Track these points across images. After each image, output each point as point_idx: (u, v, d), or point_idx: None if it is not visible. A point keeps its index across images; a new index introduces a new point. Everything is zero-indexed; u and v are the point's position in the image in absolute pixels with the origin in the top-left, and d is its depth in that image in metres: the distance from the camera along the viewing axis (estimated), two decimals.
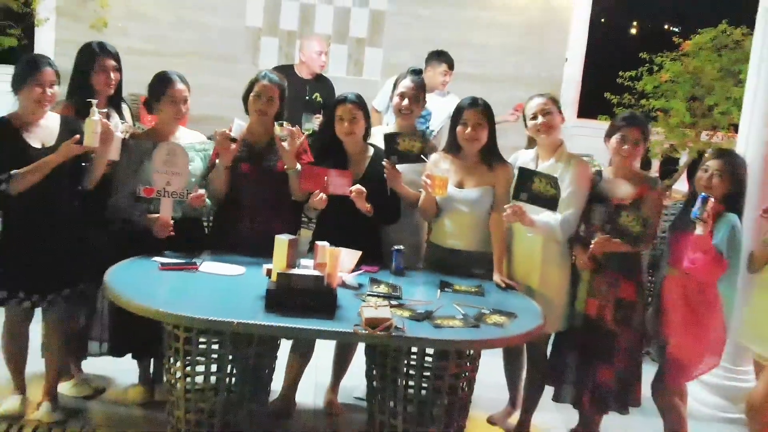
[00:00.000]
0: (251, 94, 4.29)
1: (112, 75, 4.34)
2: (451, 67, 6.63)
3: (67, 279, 3.98)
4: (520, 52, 8.17)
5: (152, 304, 3.39)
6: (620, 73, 7.37)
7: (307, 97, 6.40)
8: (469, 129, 4.16)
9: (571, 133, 8.05)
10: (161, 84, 4.22)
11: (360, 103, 4.25)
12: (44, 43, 7.92)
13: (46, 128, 3.96)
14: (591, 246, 3.96)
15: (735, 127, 6.30)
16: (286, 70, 5.88)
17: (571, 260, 4.13)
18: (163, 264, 3.83)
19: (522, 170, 4.01)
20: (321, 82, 6.59)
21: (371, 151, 4.33)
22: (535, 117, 4.17)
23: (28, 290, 3.89)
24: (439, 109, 6.41)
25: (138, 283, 3.63)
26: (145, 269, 3.80)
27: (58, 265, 3.93)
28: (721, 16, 7.02)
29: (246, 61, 7.95)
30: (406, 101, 4.50)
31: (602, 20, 9.61)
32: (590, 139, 7.71)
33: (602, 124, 6.77)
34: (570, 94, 8.29)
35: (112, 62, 4.35)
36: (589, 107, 8.31)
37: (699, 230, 3.82)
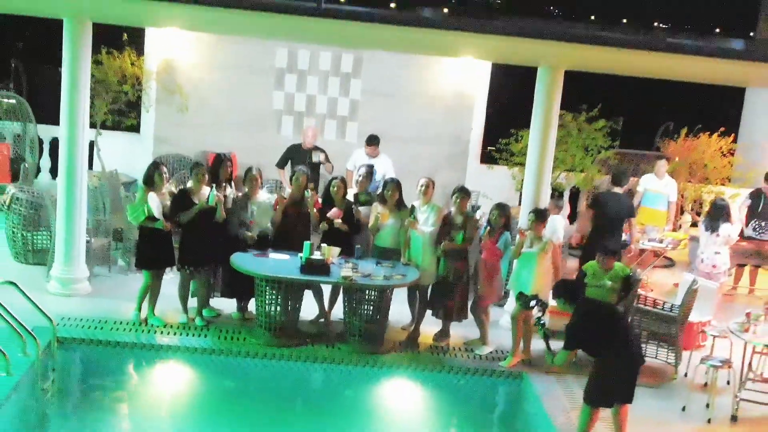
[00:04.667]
0: (294, 177, 9.08)
1: (229, 169, 9.11)
2: (378, 145, 11.32)
3: (209, 261, 8.83)
4: (443, 122, 13.05)
5: (250, 268, 8.29)
6: (500, 140, 12.30)
7: (308, 159, 11.27)
8: (390, 193, 9.01)
9: (476, 173, 13.13)
10: (248, 173, 9.00)
11: (342, 181, 9.14)
12: (149, 121, 12.77)
13: (202, 195, 8.75)
14: (444, 243, 8.81)
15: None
16: (297, 146, 10.94)
17: (437, 251, 8.96)
18: (254, 253, 8.71)
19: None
20: (315, 149, 11.44)
21: (346, 202, 9.20)
22: (422, 186, 9.02)
23: (195, 265, 8.74)
24: (378, 164, 11.25)
25: (245, 261, 8.51)
26: (247, 256, 8.67)
27: (205, 254, 8.78)
28: None
29: (273, 130, 12.82)
30: (362, 180, 9.41)
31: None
32: (486, 177, 12.83)
33: (496, 168, 11.77)
34: (474, 149, 13.21)
35: (229, 162, 9.12)
36: (487, 157, 13.20)
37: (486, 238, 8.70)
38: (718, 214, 10.08)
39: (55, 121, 12.38)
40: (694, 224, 12.81)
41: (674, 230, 12.34)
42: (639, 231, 11.10)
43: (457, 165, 13.05)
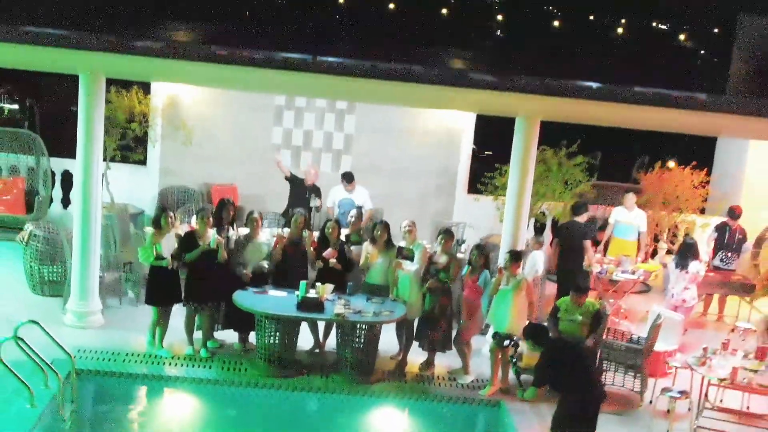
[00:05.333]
0: (293, 218, 9.87)
1: (231, 212, 9.89)
2: (350, 181, 12.19)
3: (213, 298, 9.62)
4: (432, 155, 13.84)
5: (251, 306, 9.08)
6: (485, 174, 13.09)
7: (307, 196, 12.07)
8: (379, 234, 9.80)
9: (463, 203, 13.92)
10: (250, 216, 9.80)
11: (336, 222, 9.92)
12: (155, 155, 13.55)
13: (207, 237, 9.53)
14: (430, 282, 9.60)
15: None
16: (300, 182, 11.74)
17: (422, 288, 9.75)
18: (254, 291, 9.49)
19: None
20: (314, 188, 12.25)
21: (339, 242, 9.98)
22: (407, 228, 9.80)
23: (199, 302, 9.53)
24: (356, 198, 12.12)
25: (246, 298, 9.30)
26: (248, 293, 9.46)
27: (208, 291, 9.56)
28: None
29: (272, 162, 13.58)
30: (354, 221, 10.21)
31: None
32: (473, 206, 13.61)
33: (482, 198, 12.58)
34: (462, 180, 14.00)
35: (231, 206, 9.90)
36: (473, 187, 13.99)
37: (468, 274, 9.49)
38: (687, 252, 10.86)
39: (66, 154, 13.27)
40: (669, 252, 13.60)
41: (649, 258, 13.17)
42: (614, 263, 11.89)
43: (445, 195, 13.85)
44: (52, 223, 11.46)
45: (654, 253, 13.75)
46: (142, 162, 13.60)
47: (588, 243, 11.39)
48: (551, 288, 11.79)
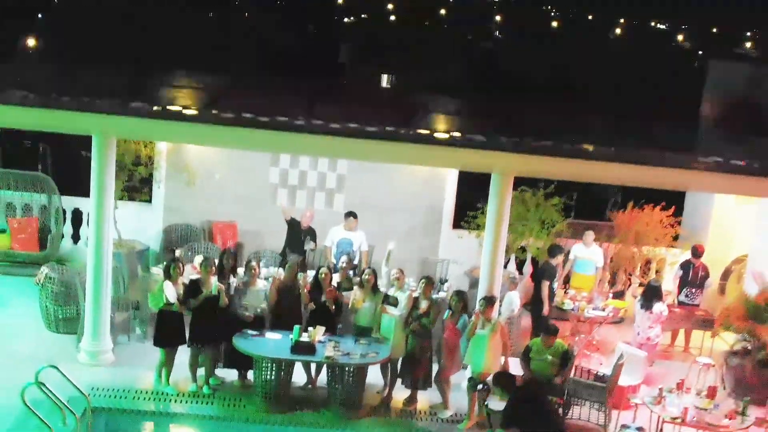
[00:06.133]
0: (287, 265, 10.80)
1: (232, 261, 10.81)
2: (356, 218, 13.14)
3: (215, 339, 10.54)
4: (419, 193, 14.75)
5: (249, 349, 10.02)
6: (468, 212, 14.01)
7: (302, 238, 13.01)
8: (367, 278, 10.73)
9: (448, 238, 14.83)
10: (248, 264, 10.73)
11: (329, 268, 10.86)
12: (160, 194, 14.48)
13: (209, 284, 10.46)
14: (413, 325, 10.52)
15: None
16: (297, 224, 12.69)
17: (406, 330, 10.67)
18: (252, 333, 10.42)
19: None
20: (310, 230, 13.19)
21: (333, 286, 10.92)
22: (395, 275, 10.73)
23: (202, 343, 10.45)
24: (354, 238, 13.03)
25: (244, 342, 10.23)
26: (247, 336, 10.38)
27: (211, 333, 10.48)
28: None
29: (269, 201, 14.52)
30: (345, 267, 11.14)
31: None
32: (458, 242, 14.51)
33: (465, 235, 13.50)
34: (447, 216, 14.92)
35: (232, 256, 10.82)
36: (458, 223, 14.91)
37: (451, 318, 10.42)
38: (652, 294, 11.80)
39: (76, 193, 14.21)
40: (642, 284, 14.53)
41: (628, 286, 14.14)
42: (586, 300, 12.82)
43: (431, 231, 14.77)
44: (65, 266, 12.37)
45: (629, 285, 14.68)
46: (148, 200, 14.52)
47: (545, 284, 12.28)
48: (528, 320, 12.72)
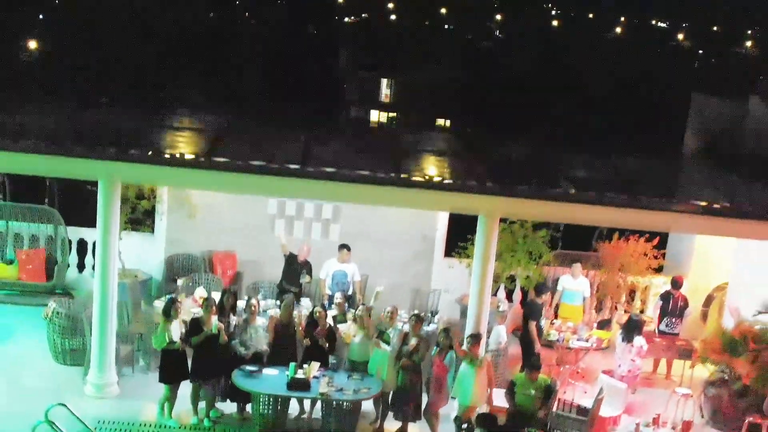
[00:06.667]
0: (283, 304, 11.36)
1: (232, 301, 11.35)
2: (349, 250, 13.70)
3: (215, 374, 11.09)
4: (412, 224, 15.28)
5: (247, 386, 10.57)
6: (459, 243, 14.56)
7: (299, 271, 13.56)
8: (361, 313, 11.27)
9: (440, 267, 15.36)
10: (248, 302, 11.29)
11: (322, 307, 11.41)
12: (162, 225, 15.03)
13: (210, 323, 11.01)
14: (403, 361, 11.06)
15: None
16: (294, 258, 13.23)
17: (397, 365, 11.21)
18: (251, 370, 10.97)
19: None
20: (306, 264, 13.74)
21: (327, 324, 11.47)
22: (389, 313, 11.27)
23: (204, 378, 11.00)
24: (348, 270, 13.57)
25: (243, 379, 10.78)
26: (245, 372, 10.93)
27: (211, 369, 11.03)
28: None
29: (268, 231, 15.03)
30: (340, 302, 11.70)
31: None
32: (450, 271, 15.04)
33: (455, 264, 14.03)
34: (439, 246, 15.46)
35: (232, 295, 11.36)
36: (449, 251, 15.45)
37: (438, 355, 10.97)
38: (633, 327, 12.34)
39: (81, 224, 14.75)
40: (627, 311, 15.08)
41: (615, 313, 14.69)
42: (571, 330, 13.36)
43: (424, 260, 15.30)
44: (72, 300, 12.93)
45: (614, 313, 15.21)
46: (151, 231, 15.07)
47: (533, 325, 12.79)
48: (516, 346, 13.26)
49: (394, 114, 62.42)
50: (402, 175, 11.13)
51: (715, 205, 11.32)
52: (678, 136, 15.43)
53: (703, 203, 11.30)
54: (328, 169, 11.01)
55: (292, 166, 11.03)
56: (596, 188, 11.44)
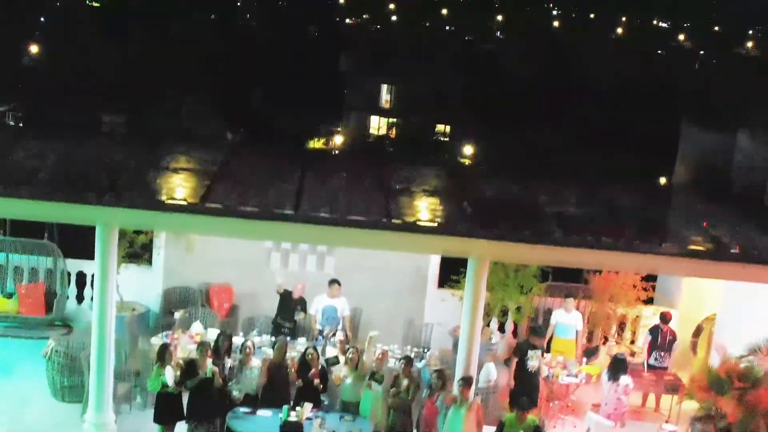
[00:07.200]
0: (276, 346, 11.60)
1: (227, 343, 11.58)
2: (339, 285, 13.93)
3: (210, 416, 11.32)
4: (405, 256, 15.48)
5: (242, 429, 10.80)
6: (452, 277, 14.79)
7: (293, 307, 13.80)
8: (351, 357, 11.50)
9: (433, 299, 15.60)
10: (243, 344, 11.51)
11: (315, 349, 11.64)
12: (160, 260, 15.26)
13: (205, 366, 11.23)
14: (394, 400, 11.29)
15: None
16: (289, 294, 13.46)
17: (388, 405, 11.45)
18: (244, 411, 11.20)
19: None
20: (300, 300, 13.97)
21: (320, 365, 11.70)
22: (379, 355, 11.51)
23: (199, 420, 11.23)
24: (338, 305, 13.81)
25: (237, 421, 11.01)
26: (239, 415, 11.16)
27: (206, 411, 11.26)
28: None
29: (264, 264, 15.28)
30: (342, 339, 11.97)
31: None
32: (443, 304, 15.27)
33: (448, 297, 14.26)
34: (432, 278, 15.69)
35: (228, 338, 11.59)
36: (443, 282, 15.68)
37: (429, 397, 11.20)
38: (618, 367, 12.57)
39: (80, 255, 14.98)
40: (617, 342, 15.33)
41: (603, 344, 14.93)
42: (560, 366, 13.58)
43: (418, 292, 15.54)
44: (71, 335, 13.17)
45: (604, 343, 15.44)
46: (148, 263, 15.30)
47: (514, 362, 12.99)
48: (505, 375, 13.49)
49: (394, 120, 63.02)
50: (393, 220, 11.34)
51: (701, 248, 11.51)
52: (669, 167, 15.65)
53: (695, 247, 11.50)
54: (320, 214, 11.22)
55: (286, 212, 11.23)
56: (586, 230, 11.64)
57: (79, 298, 15.48)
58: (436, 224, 11.45)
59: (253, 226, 11.25)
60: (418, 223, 11.41)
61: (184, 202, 11.21)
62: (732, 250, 11.51)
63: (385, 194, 12.28)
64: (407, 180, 13.57)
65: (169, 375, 11.07)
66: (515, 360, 12.90)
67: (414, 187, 12.87)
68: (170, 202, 11.13)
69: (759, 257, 11.44)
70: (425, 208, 12.24)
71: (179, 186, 11.89)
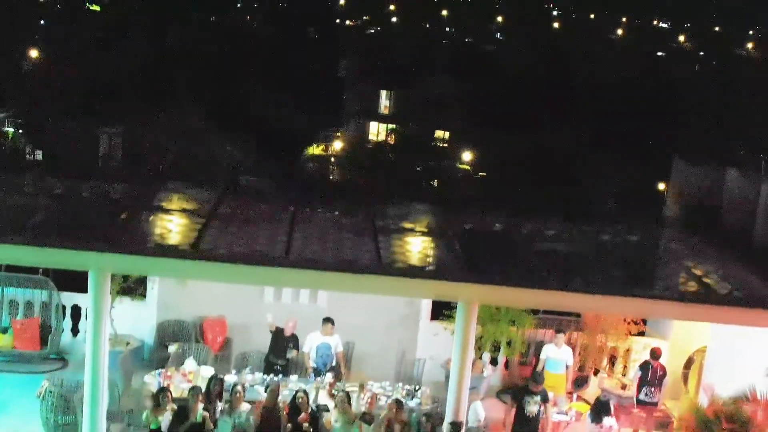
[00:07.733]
0: (268, 389, 11.71)
1: (218, 387, 11.69)
2: (333, 324, 14.03)
3: None
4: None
5: None
6: (444, 311, 14.89)
7: (285, 345, 13.90)
8: (341, 401, 11.61)
9: (426, 331, 15.71)
10: (234, 388, 11.62)
11: (305, 393, 11.75)
12: (154, 293, 15.37)
13: (196, 411, 11.33)
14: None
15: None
16: (281, 332, 13.56)
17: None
18: None
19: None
20: (293, 337, 14.07)
21: (310, 408, 11.81)
22: (368, 399, 11.62)
23: None
24: (331, 342, 13.92)
25: None
26: None
27: None
28: None
29: (257, 297, 15.37)
30: (332, 382, 12.07)
31: None
32: (437, 338, 15.38)
33: (440, 331, 14.37)
34: (425, 310, 15.77)
35: (219, 382, 11.70)
36: (436, 314, 15.78)
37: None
38: (602, 408, 12.67)
39: (75, 288, 15.08)
40: (608, 375, 15.43)
41: (591, 378, 15.04)
42: (551, 402, 13.67)
43: (410, 325, 15.63)
44: (66, 378, 13.25)
45: (596, 372, 15.55)
46: (143, 297, 15.41)
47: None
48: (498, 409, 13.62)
49: (394, 125, 63.03)
50: (381, 264, 11.46)
51: (691, 291, 11.64)
52: (659, 202, 15.76)
53: (687, 288, 11.63)
54: (310, 259, 11.34)
55: (276, 256, 11.35)
56: (574, 272, 11.76)
57: (75, 331, 15.59)
58: (426, 270, 11.58)
59: (245, 271, 11.36)
60: (408, 269, 11.53)
61: (175, 248, 11.35)
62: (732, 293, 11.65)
63: (373, 237, 12.40)
64: (398, 217, 13.73)
65: (162, 420, 11.18)
66: (514, 405, 12.95)
67: (404, 225, 13.03)
68: (163, 247, 11.28)
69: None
70: (416, 250, 12.36)
71: (173, 228, 12.03)
